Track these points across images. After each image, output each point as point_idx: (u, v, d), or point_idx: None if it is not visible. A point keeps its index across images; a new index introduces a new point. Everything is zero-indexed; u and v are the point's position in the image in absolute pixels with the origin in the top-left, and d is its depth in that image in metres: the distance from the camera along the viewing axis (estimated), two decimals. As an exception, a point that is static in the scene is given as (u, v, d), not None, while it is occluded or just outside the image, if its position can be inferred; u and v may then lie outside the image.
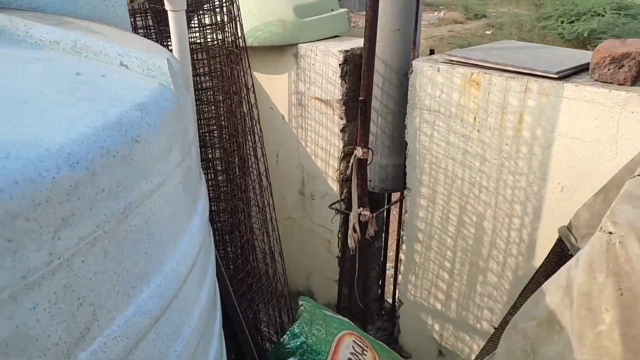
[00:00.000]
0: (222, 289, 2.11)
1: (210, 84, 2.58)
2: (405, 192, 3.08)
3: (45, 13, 1.33)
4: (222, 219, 2.57)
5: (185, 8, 1.83)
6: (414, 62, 2.80)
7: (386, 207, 3.19)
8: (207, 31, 2.48)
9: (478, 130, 2.66)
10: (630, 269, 0.97)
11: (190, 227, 1.07)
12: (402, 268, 3.27)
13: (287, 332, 2.48)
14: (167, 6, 1.81)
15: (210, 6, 2.42)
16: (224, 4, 2.46)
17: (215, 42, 2.53)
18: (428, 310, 3.21)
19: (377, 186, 3.25)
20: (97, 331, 0.76)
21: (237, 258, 2.78)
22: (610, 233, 1.02)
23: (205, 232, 1.19)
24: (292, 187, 3.65)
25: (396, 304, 3.39)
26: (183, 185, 1.03)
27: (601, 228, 1.04)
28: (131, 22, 2.27)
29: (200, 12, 2.46)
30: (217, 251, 2.71)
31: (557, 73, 2.37)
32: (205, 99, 2.53)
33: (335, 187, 3.40)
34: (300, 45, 3.25)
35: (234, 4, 2.65)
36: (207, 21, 2.63)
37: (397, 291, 3.40)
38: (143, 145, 0.85)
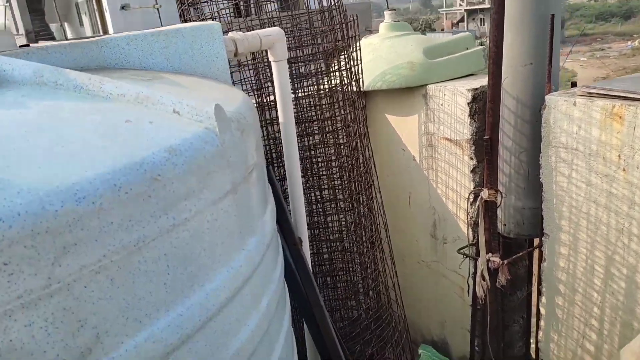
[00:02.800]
0: (323, 332, 2.12)
1: (331, 125, 2.67)
2: (543, 238, 2.78)
3: (147, 71, 1.54)
4: (337, 261, 2.60)
5: (287, 58, 1.95)
6: (547, 97, 2.57)
7: (521, 253, 2.91)
8: (327, 79, 2.59)
9: (624, 170, 2.31)
10: None
11: (231, 262, 1.12)
12: (542, 323, 2.92)
13: (398, 381, 2.37)
14: (270, 57, 1.96)
15: (326, 55, 2.54)
16: (343, 55, 2.55)
17: (334, 88, 2.63)
18: (574, 375, 2.80)
19: (512, 231, 2.99)
20: (101, 353, 0.84)
21: (356, 299, 2.77)
22: None
23: (258, 266, 1.23)
24: (424, 230, 3.54)
25: (538, 364, 3.03)
26: (222, 222, 1.09)
27: None
28: (249, 73, 2.49)
29: (316, 60, 2.59)
30: (327, 292, 2.73)
31: None
32: (324, 140, 2.63)
33: (466, 230, 3.21)
34: (429, 85, 3.20)
35: (355, 52, 2.74)
36: (331, 68, 2.76)
37: (538, 349, 3.04)
38: (164, 184, 0.93)
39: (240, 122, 1.23)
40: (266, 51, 1.99)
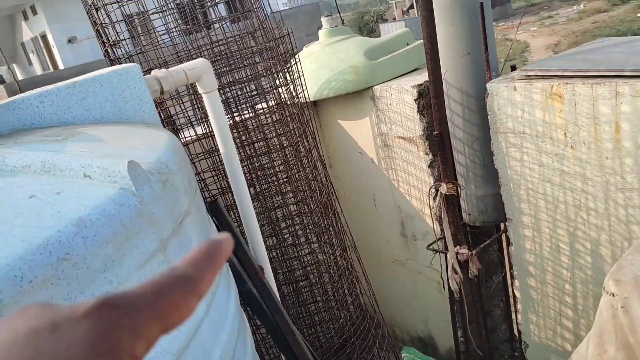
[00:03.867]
0: (300, 357, 2.08)
1: (277, 144, 2.63)
2: (507, 223, 2.80)
3: (64, 127, 1.47)
4: (302, 279, 2.56)
5: (216, 88, 1.90)
6: (488, 85, 2.58)
7: (488, 241, 2.92)
8: (266, 97, 2.55)
9: (572, 147, 2.33)
10: (636, 341, 0.73)
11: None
12: (519, 306, 2.94)
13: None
14: (199, 89, 1.91)
15: (264, 73, 2.50)
16: (282, 70, 2.52)
17: (277, 105, 2.59)
18: (557, 352, 2.82)
19: (477, 219, 2.99)
20: None
21: (330, 312, 2.74)
22: (613, 295, 0.79)
23: (204, 318, 1.19)
24: (393, 230, 3.54)
25: (522, 346, 3.05)
26: (151, 284, 1.04)
27: (604, 288, 0.81)
28: (197, 101, 2.43)
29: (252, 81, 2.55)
30: (299, 311, 2.70)
31: (650, 69, 2.00)
32: (268, 161, 2.58)
33: (433, 225, 3.21)
34: (375, 87, 3.19)
35: (295, 66, 2.70)
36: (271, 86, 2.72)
37: (520, 332, 3.05)
38: (75, 262, 0.88)
39: (161, 172, 1.18)
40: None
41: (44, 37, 19.67)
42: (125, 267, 0.98)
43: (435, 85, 2.56)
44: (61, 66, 18.60)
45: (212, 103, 1.90)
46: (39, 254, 0.84)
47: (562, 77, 2.31)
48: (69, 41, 18.91)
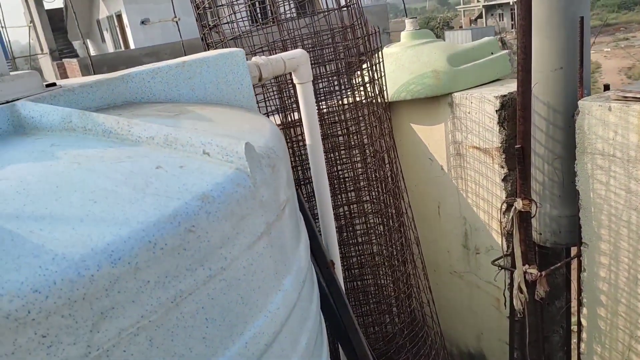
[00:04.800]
0: (359, 354, 2.07)
1: (357, 140, 2.63)
2: (582, 247, 2.69)
3: (173, 103, 1.52)
4: (369, 278, 2.55)
5: (311, 79, 1.92)
6: (580, 102, 2.49)
7: (559, 264, 2.82)
8: (350, 93, 2.55)
9: (666, 176, 2.22)
10: None
11: (268, 306, 1.08)
12: (584, 335, 2.82)
13: (438, 402, 2.31)
14: (295, 80, 1.93)
15: (352, 70, 2.50)
16: (366, 68, 2.51)
17: (359, 102, 2.59)
18: (620, 388, 2.69)
19: (549, 240, 2.90)
20: (143, 415, 0.81)
21: (390, 316, 2.71)
22: None
23: (295, 306, 1.20)
24: (455, 241, 3.47)
25: (581, 377, 2.93)
26: (257, 265, 1.06)
27: None
28: (273, 92, 2.47)
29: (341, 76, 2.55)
30: (360, 309, 2.69)
31: None
32: (347, 156, 2.58)
33: (500, 240, 3.13)
34: (455, 94, 3.13)
35: (378, 64, 2.69)
36: (354, 82, 2.72)
37: (581, 362, 2.93)
38: (199, 234, 0.90)
39: (270, 157, 1.19)
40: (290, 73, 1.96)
41: (119, 16, 20.43)
42: (238, 246, 1.00)
43: (523, 97, 2.49)
44: (132, 46, 19.28)
45: (305, 94, 1.91)
46: (169, 223, 0.86)
47: (664, 101, 2.20)
48: (142, 22, 19.56)
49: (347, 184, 2.56)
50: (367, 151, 2.48)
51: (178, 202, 0.91)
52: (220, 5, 2.18)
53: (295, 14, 2.35)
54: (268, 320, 1.07)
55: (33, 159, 1.00)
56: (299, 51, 1.89)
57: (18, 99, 1.21)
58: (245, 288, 1.02)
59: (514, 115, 2.92)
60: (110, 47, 22.52)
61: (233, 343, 0.97)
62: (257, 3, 2.52)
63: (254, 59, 1.80)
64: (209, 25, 2.19)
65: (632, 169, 2.33)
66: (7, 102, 1.19)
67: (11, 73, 1.33)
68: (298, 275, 1.26)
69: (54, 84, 1.46)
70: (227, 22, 2.26)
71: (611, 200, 2.46)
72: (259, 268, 1.06)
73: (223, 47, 2.28)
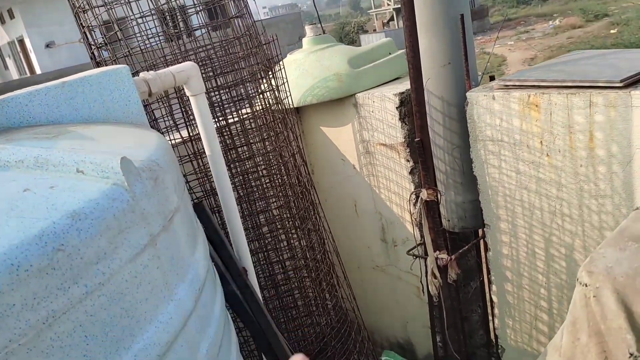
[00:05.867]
0: (278, 353, 2.10)
1: (262, 149, 2.66)
2: (485, 228, 2.86)
3: (54, 125, 1.49)
4: (285, 282, 2.58)
5: (204, 91, 1.93)
6: (468, 94, 2.66)
7: (466, 247, 2.98)
8: (253, 102, 2.58)
9: (547, 155, 2.41)
10: (606, 328, 0.79)
11: (158, 317, 1.09)
12: (496, 311, 3.00)
13: (363, 394, 2.38)
14: (187, 92, 1.93)
15: (247, 79, 2.53)
16: (266, 76, 2.55)
17: (261, 110, 2.62)
18: (533, 355, 2.88)
19: (456, 225, 3.06)
20: None
21: (311, 316, 2.76)
22: (586, 285, 0.84)
23: (191, 313, 1.21)
24: (374, 236, 3.58)
25: (499, 351, 3.11)
26: (142, 277, 1.06)
27: (577, 279, 0.86)
28: (174, 107, 2.45)
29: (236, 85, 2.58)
30: (281, 314, 2.72)
31: (622, 81, 2.09)
32: (252, 165, 2.61)
33: (413, 231, 3.27)
34: (358, 94, 3.25)
35: (280, 72, 2.74)
36: (256, 91, 2.75)
37: (497, 336, 3.11)
38: (69, 252, 0.90)
39: (152, 170, 1.20)
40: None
41: (21, 41, 19.40)
42: (117, 260, 1.00)
43: (417, 93, 2.63)
44: (38, 71, 18.36)
45: (199, 106, 1.93)
46: (34, 244, 0.86)
47: (539, 87, 2.39)
48: (47, 46, 18.68)
49: (257, 193, 2.59)
50: (271, 158, 2.52)
51: (45, 222, 0.90)
52: (102, 25, 2.15)
53: (186, 29, 2.36)
54: (159, 331, 1.08)
55: None
56: (188, 64, 1.90)
57: None
58: (131, 301, 1.02)
59: (413, 110, 3.07)
60: (14, 74, 21.31)
61: (120, 357, 0.97)
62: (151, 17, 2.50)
63: (141, 74, 1.80)
64: (96, 44, 2.15)
65: (519, 151, 2.51)
66: None
67: None
68: (194, 283, 1.27)
69: None
70: (115, 41, 2.23)
71: (504, 182, 2.64)
72: (144, 280, 1.07)
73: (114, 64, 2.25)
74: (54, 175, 1.07)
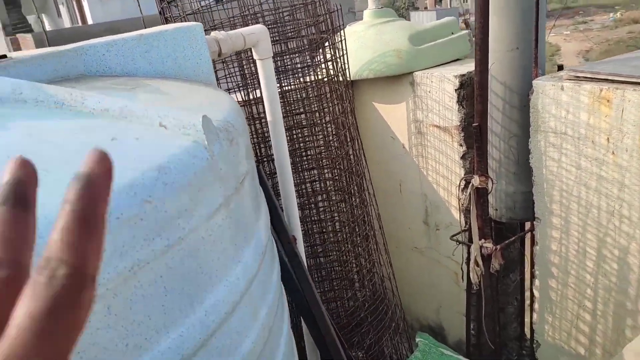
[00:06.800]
0: (322, 328, 2.12)
1: (318, 118, 2.65)
2: (535, 222, 2.80)
3: (129, 77, 1.50)
4: (330, 254, 2.59)
5: (271, 56, 1.91)
6: (534, 82, 2.57)
7: (513, 238, 2.93)
8: (312, 71, 2.56)
9: (613, 153, 2.32)
10: None
11: (228, 277, 1.10)
12: (536, 306, 2.96)
13: (397, 372, 2.39)
14: (255, 56, 1.92)
15: (312, 47, 2.50)
16: (328, 46, 2.52)
17: (321, 80, 2.60)
18: (569, 354, 2.84)
19: (504, 215, 3.00)
20: (102, 382, 0.82)
21: (351, 290, 2.77)
22: None
23: (255, 277, 1.22)
24: (416, 217, 3.55)
25: (534, 345, 3.07)
26: (216, 236, 1.07)
27: None
28: (234, 69, 2.45)
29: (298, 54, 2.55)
30: (322, 285, 2.74)
31: None
32: (313, 133, 2.60)
33: (458, 217, 3.22)
34: (416, 73, 3.18)
35: (341, 42, 2.70)
36: (317, 60, 2.72)
37: (533, 330, 3.07)
38: (155, 205, 0.91)
39: (228, 131, 1.20)
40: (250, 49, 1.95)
41: (75, -10, 19.65)
42: (196, 217, 1.01)
43: (481, 77, 2.55)
44: (90, 21, 18.62)
45: (265, 70, 1.91)
46: (125, 193, 0.87)
47: (613, 81, 2.29)
48: (100, -3, 18.86)
49: (309, 162, 2.58)
50: (329, 129, 2.50)
51: (134, 173, 0.91)
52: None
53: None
54: (227, 290, 1.09)
55: (-17, 130, 0.98)
56: (258, 27, 1.89)
57: (-34, 70, 1.18)
58: (205, 258, 1.03)
59: (472, 94, 2.98)
60: (66, 23, 21.69)
61: (193, 312, 0.99)
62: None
63: (213, 33, 1.79)
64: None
65: (582, 146, 2.43)
66: (-45, 72, 1.15)
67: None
68: (258, 248, 1.28)
69: (4, 56, 1.42)
70: (187, -3, 2.22)
71: (562, 176, 2.56)
72: (217, 239, 1.08)
73: (182, 22, 2.25)
74: (138, 127, 1.07)
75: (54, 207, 0.76)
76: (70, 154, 0.93)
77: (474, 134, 2.67)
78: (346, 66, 2.79)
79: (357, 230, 2.71)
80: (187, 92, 1.42)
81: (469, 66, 3.11)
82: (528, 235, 3.10)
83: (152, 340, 0.91)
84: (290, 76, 2.58)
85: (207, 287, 1.03)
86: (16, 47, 15.31)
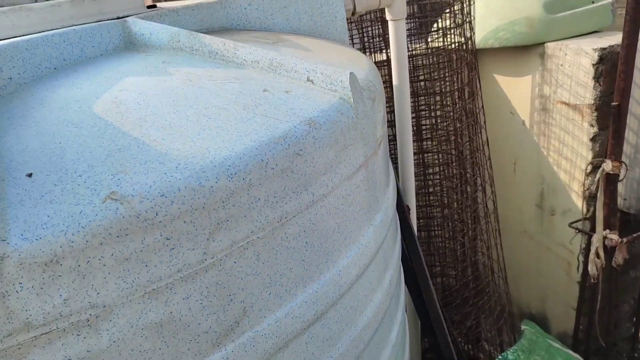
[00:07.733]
0: (427, 299, 2.08)
1: (442, 87, 2.55)
2: (670, 217, 2.54)
3: (268, 32, 1.50)
4: (438, 229, 2.52)
5: (405, 17, 1.84)
6: (692, 60, 2.28)
7: (643, 232, 2.68)
8: (437, 36, 2.45)
9: None
10: None
11: (360, 239, 1.09)
12: (660, 308, 2.71)
13: (500, 356, 2.31)
14: (387, 16, 1.86)
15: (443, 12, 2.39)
16: (455, 11, 2.39)
17: (448, 46, 2.48)
18: (694, 365, 2.59)
19: (633, 206, 2.75)
20: (247, 326, 0.84)
21: (456, 269, 2.69)
22: None
23: (382, 242, 1.20)
24: (529, 200, 3.35)
25: (650, 349, 2.83)
26: (354, 197, 1.05)
27: None
28: (363, 29, 2.40)
29: (430, 18, 2.45)
30: (428, 259, 2.68)
31: None
32: (432, 103, 2.51)
33: (579, 203, 3.00)
34: (548, 44, 2.94)
35: (469, 6, 2.55)
36: (441, 25, 2.60)
37: (652, 334, 2.83)
38: (305, 159, 0.90)
39: (370, 90, 1.17)
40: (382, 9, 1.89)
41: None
42: (339, 174, 1.00)
43: (628, 51, 2.31)
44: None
45: (397, 31, 1.85)
46: (279, 145, 0.87)
47: None
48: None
49: (426, 132, 2.50)
50: (452, 98, 2.40)
51: (287, 125, 0.91)
52: None
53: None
54: (359, 252, 1.08)
55: (147, 74, 1.02)
56: (395, -14, 1.81)
57: (127, 16, 1.23)
58: (342, 217, 1.02)
59: (612, 70, 2.72)
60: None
61: (328, 269, 0.99)
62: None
63: (349, -9, 1.75)
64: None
65: None
66: (119, 17, 1.21)
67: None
68: (387, 213, 1.26)
69: (154, 5, 1.48)
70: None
71: None
72: (355, 199, 1.06)
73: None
74: (286, 80, 1.07)
75: (221, 149, 0.76)
76: (227, 102, 0.94)
77: (611, 114, 2.44)
78: (473, 33, 2.64)
79: (469, 208, 2.61)
80: (326, 49, 1.40)
81: (609, 39, 2.82)
82: (658, 231, 2.82)
83: (291, 292, 0.92)
84: (415, 40, 2.49)
85: (342, 246, 1.03)
86: None
